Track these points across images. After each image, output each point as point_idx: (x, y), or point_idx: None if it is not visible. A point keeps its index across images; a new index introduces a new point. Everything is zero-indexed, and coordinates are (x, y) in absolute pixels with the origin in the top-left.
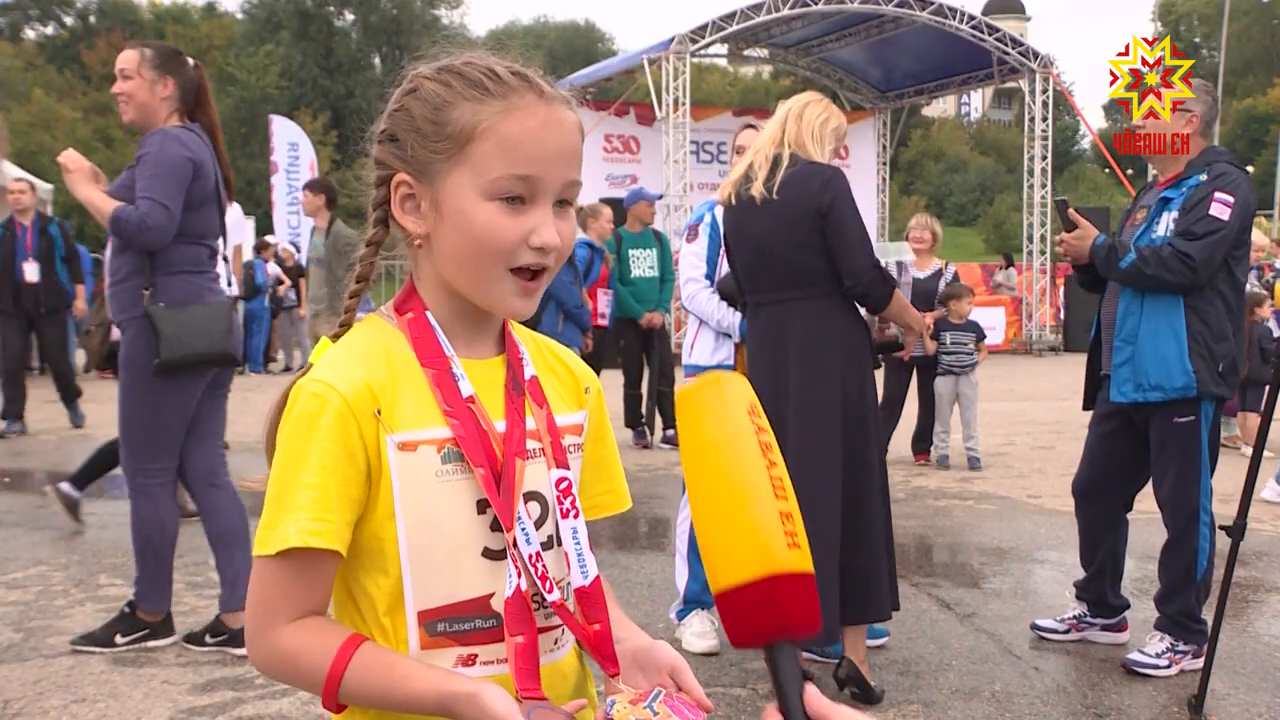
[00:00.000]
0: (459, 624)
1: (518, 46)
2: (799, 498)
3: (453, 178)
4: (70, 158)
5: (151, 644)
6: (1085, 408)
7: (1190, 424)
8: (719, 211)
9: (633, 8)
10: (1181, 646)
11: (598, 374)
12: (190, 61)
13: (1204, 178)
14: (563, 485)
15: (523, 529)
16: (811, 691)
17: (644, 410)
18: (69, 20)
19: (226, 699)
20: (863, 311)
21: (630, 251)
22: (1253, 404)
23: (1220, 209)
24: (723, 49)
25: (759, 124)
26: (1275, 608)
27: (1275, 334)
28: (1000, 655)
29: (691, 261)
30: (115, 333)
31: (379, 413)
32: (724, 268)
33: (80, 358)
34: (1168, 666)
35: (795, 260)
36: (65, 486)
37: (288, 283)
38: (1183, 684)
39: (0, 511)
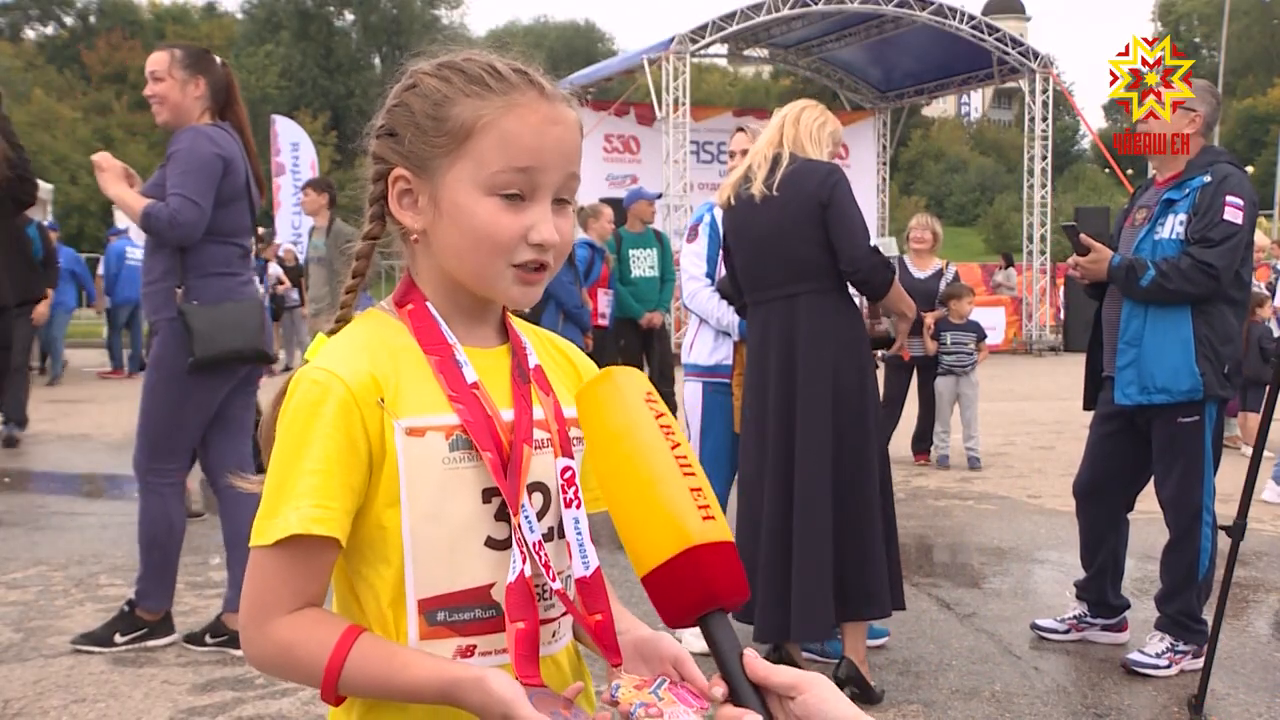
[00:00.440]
0: (459, 613)
1: (518, 46)
2: (795, 494)
3: (452, 173)
4: (103, 156)
5: (151, 643)
6: (1086, 408)
7: (1194, 424)
8: (718, 211)
9: (633, 8)
10: (1181, 646)
11: None
12: (218, 60)
13: (1208, 179)
14: (567, 474)
15: (526, 516)
16: (750, 655)
17: None
18: (69, 20)
19: (226, 699)
20: (859, 306)
21: (630, 251)
22: (1253, 404)
23: (1233, 213)
24: (723, 49)
25: (750, 126)
26: (1275, 608)
27: (1275, 334)
28: (1000, 655)
29: (692, 260)
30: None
31: (382, 401)
32: (724, 268)
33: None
34: (1168, 666)
35: (796, 254)
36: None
37: (288, 284)
38: (1183, 684)
39: (0, 511)
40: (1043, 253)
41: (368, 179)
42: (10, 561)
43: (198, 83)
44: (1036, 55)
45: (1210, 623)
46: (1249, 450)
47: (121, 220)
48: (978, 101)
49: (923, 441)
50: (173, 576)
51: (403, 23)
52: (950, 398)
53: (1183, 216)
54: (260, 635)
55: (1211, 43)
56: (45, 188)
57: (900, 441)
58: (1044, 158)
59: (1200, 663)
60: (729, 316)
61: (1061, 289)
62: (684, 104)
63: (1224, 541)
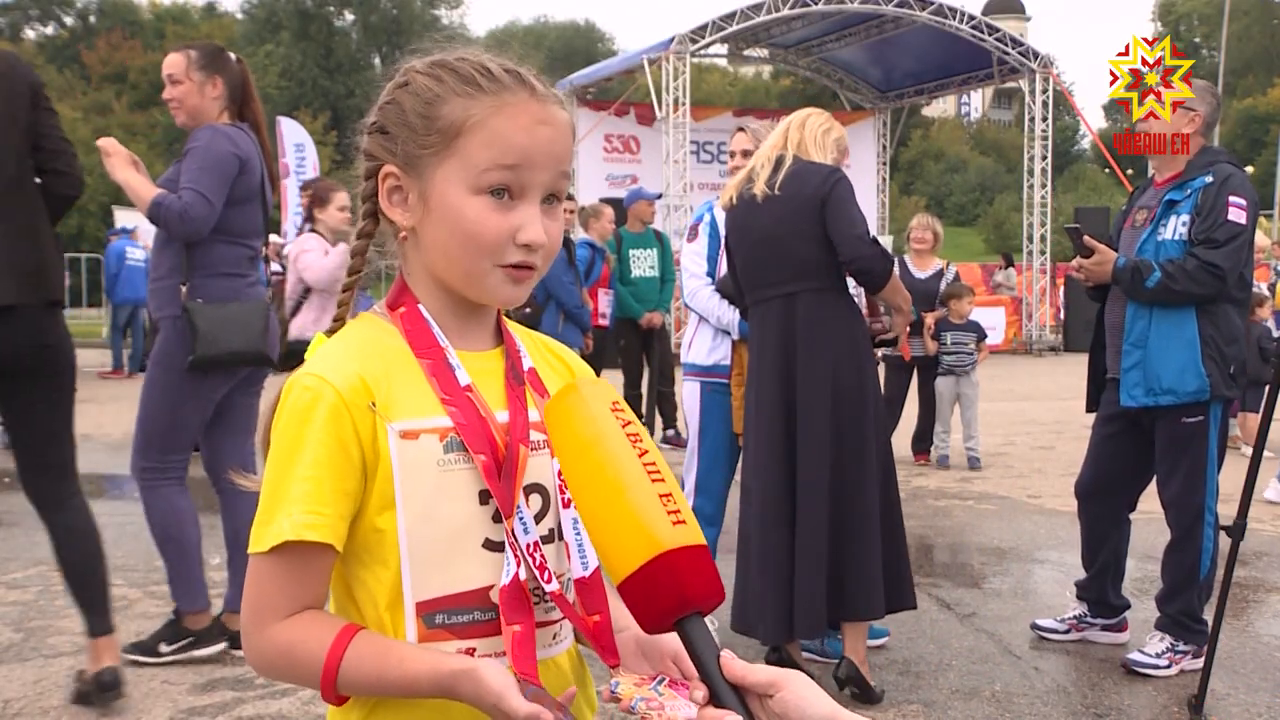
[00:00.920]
0: (457, 615)
1: (518, 46)
2: (795, 493)
3: (441, 171)
4: (109, 142)
5: (199, 652)
6: (1089, 410)
7: (1199, 424)
8: (719, 211)
9: (633, 8)
10: (1182, 646)
11: (598, 374)
12: (233, 57)
13: (1209, 180)
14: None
15: (521, 519)
16: (727, 656)
17: (644, 410)
18: (69, 20)
19: (226, 699)
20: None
21: (631, 251)
22: (1253, 404)
23: (1237, 213)
24: (723, 49)
25: (751, 126)
26: (1275, 608)
27: (1275, 334)
28: (1000, 655)
29: (692, 260)
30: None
31: (374, 405)
32: (724, 267)
33: None
34: (1168, 666)
35: (795, 252)
36: None
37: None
38: (1183, 684)
39: (0, 511)
40: (1043, 253)
41: (359, 176)
42: (10, 561)
43: (215, 83)
44: (1036, 55)
45: (1210, 623)
46: (1249, 450)
47: (121, 220)
48: (978, 101)
49: (923, 441)
50: (197, 571)
51: (403, 23)
52: (950, 398)
53: (1185, 217)
54: (260, 639)
55: (1211, 43)
56: None
57: (900, 441)
58: (1044, 158)
59: (1200, 663)
60: (729, 315)
61: (1062, 289)
62: (684, 104)
63: (1224, 541)
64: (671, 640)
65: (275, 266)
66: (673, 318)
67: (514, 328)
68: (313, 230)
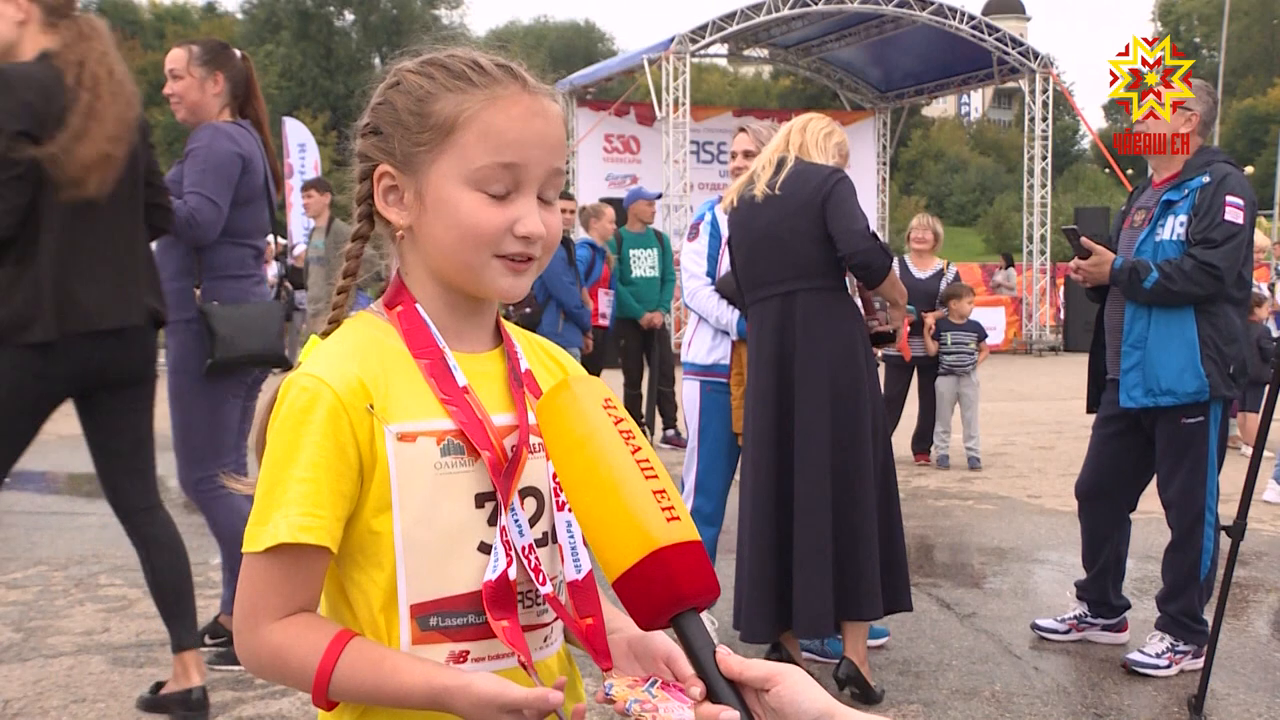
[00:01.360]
0: (451, 619)
1: (518, 46)
2: (793, 491)
3: (436, 168)
4: None
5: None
6: (1089, 411)
7: (1199, 425)
8: (719, 211)
9: (633, 8)
10: (1182, 646)
11: (598, 374)
12: (237, 53)
13: (1206, 180)
14: (559, 479)
15: (515, 520)
16: (723, 652)
17: (644, 410)
18: None
19: (227, 699)
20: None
21: (631, 251)
22: (1253, 404)
23: (1234, 213)
24: (723, 49)
25: (751, 126)
26: (1275, 608)
27: (1274, 334)
28: (1000, 655)
29: (692, 259)
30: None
31: (371, 407)
32: (724, 267)
33: None
34: (1168, 666)
35: (794, 250)
36: None
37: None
38: (1183, 684)
39: (0, 512)
40: (1043, 253)
41: (354, 178)
42: (10, 561)
43: (216, 79)
44: (1036, 55)
45: (1210, 623)
46: (1249, 450)
47: None
48: (978, 101)
49: (923, 441)
50: None
51: (403, 23)
52: (951, 398)
53: (1183, 218)
54: (253, 640)
55: (1211, 43)
56: None
57: (900, 441)
58: (1044, 158)
59: (1200, 663)
60: (728, 315)
61: (1061, 289)
62: (684, 104)
63: (1224, 541)
64: (663, 642)
65: (275, 268)
66: (673, 318)
67: (511, 329)
68: None
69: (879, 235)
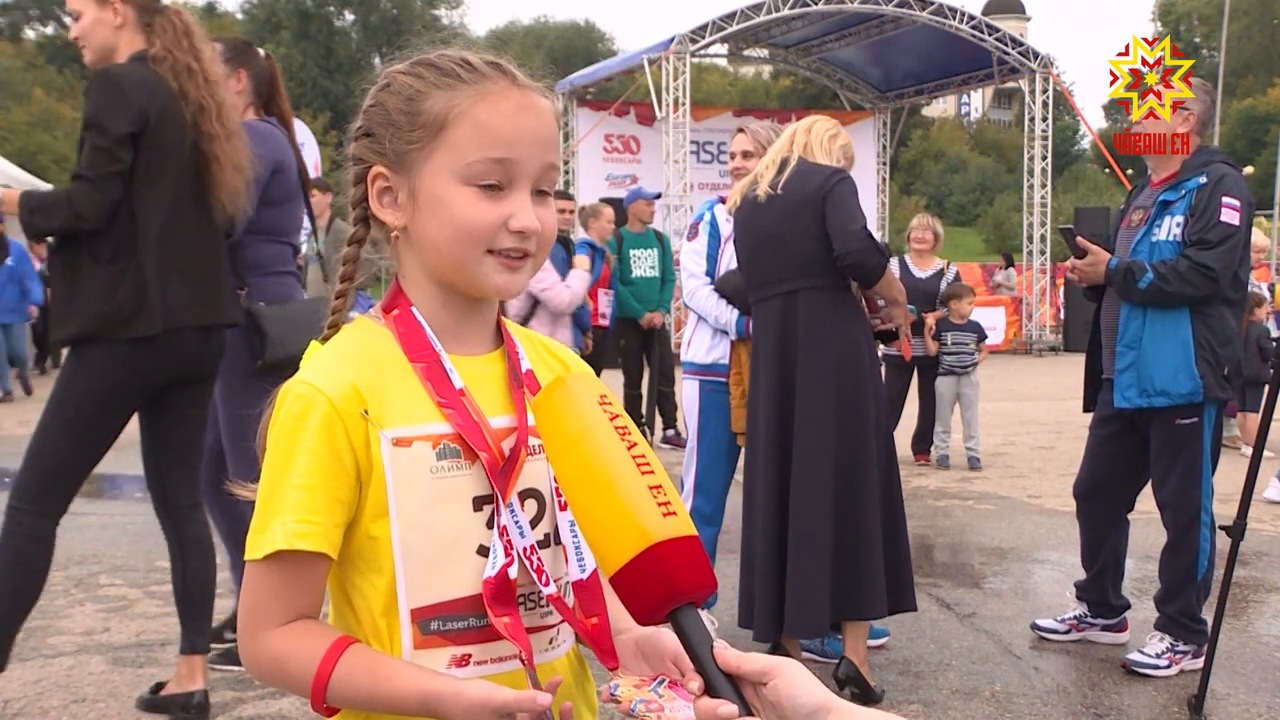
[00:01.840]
0: (452, 622)
1: (518, 46)
2: (793, 491)
3: (429, 165)
4: None
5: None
6: (1085, 410)
7: (1193, 425)
8: (719, 210)
9: (633, 8)
10: (1181, 646)
11: (598, 374)
12: (261, 52)
13: (1204, 180)
14: None
15: (515, 521)
16: (721, 646)
17: (644, 410)
18: (69, 20)
19: (227, 699)
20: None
21: (631, 251)
22: (1253, 404)
23: (1230, 214)
24: (723, 49)
25: (751, 126)
26: (1275, 608)
27: (1273, 334)
28: (1000, 655)
29: (692, 259)
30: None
31: (366, 413)
32: (724, 267)
33: None
34: (1168, 666)
35: (796, 249)
36: None
37: None
38: (1183, 684)
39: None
40: (1043, 253)
41: (349, 182)
42: None
43: (239, 77)
44: (1036, 55)
45: (1210, 623)
46: (1249, 450)
47: None
48: (978, 101)
49: (923, 441)
50: None
51: (403, 23)
52: (951, 398)
53: (1179, 218)
54: (255, 647)
55: (1211, 43)
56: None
57: (900, 441)
58: (1044, 158)
59: (1200, 663)
60: (727, 315)
61: (1061, 289)
62: (684, 104)
63: (1224, 541)
64: (671, 641)
65: None
66: (673, 318)
67: (513, 328)
68: None
69: (875, 236)
